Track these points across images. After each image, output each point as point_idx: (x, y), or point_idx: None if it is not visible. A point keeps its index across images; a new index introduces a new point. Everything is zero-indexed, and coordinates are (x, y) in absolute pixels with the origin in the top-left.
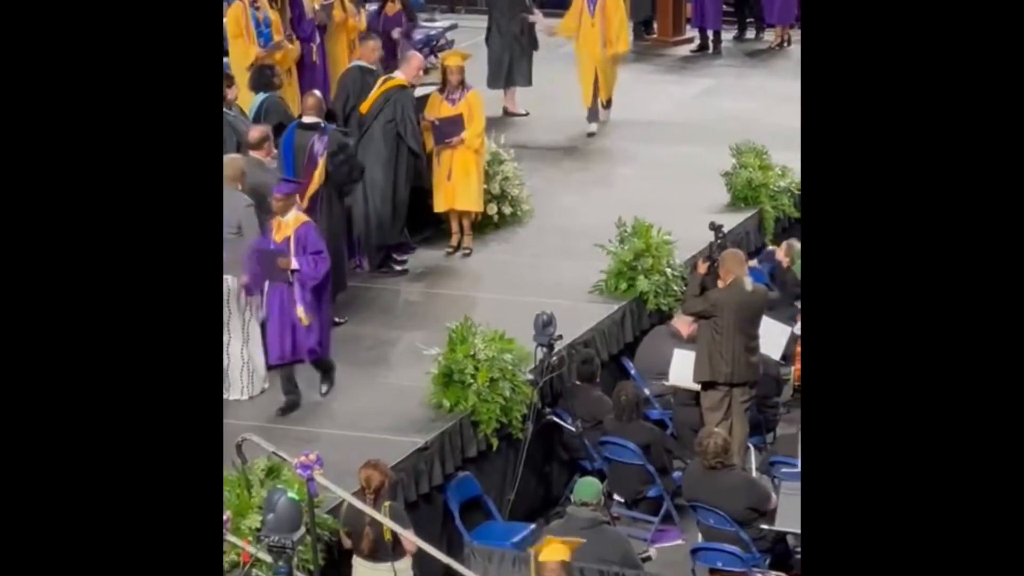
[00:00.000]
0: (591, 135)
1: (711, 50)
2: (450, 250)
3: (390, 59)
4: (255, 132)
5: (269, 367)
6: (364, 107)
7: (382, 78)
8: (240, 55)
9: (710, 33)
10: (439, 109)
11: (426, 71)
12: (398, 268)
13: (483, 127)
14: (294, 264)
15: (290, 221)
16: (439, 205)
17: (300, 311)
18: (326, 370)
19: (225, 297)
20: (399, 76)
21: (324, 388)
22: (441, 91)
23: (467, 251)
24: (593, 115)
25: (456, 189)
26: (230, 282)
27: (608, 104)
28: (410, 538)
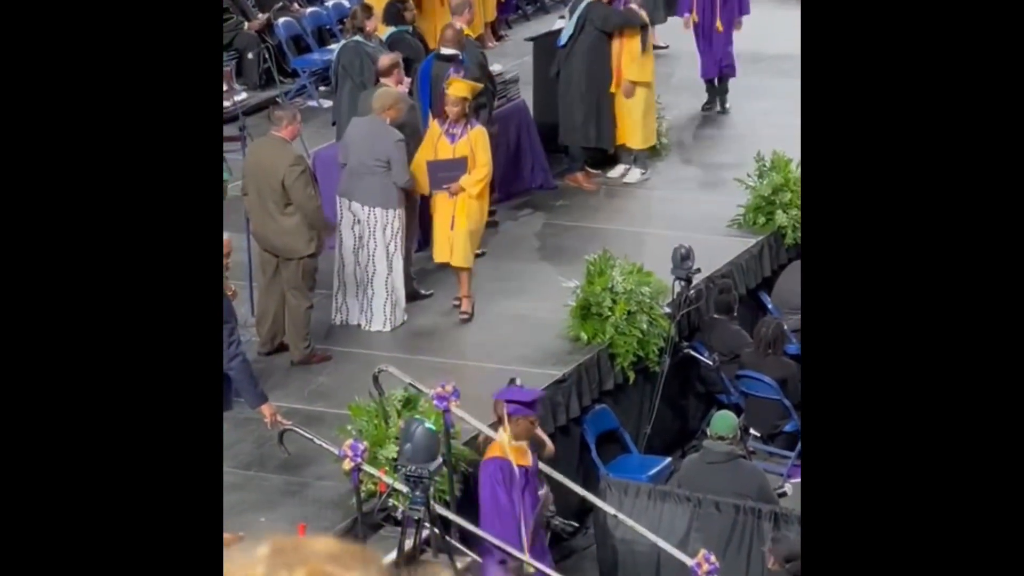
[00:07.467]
0: (625, 178)
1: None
2: (464, 317)
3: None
4: (385, 59)
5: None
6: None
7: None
8: None
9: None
10: (436, 145)
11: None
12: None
13: (488, 171)
14: None
15: None
16: (439, 256)
17: None
18: None
19: (371, 228)
20: None
21: None
22: (442, 121)
23: (466, 316)
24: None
25: (457, 241)
26: (377, 214)
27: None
28: (544, 469)
